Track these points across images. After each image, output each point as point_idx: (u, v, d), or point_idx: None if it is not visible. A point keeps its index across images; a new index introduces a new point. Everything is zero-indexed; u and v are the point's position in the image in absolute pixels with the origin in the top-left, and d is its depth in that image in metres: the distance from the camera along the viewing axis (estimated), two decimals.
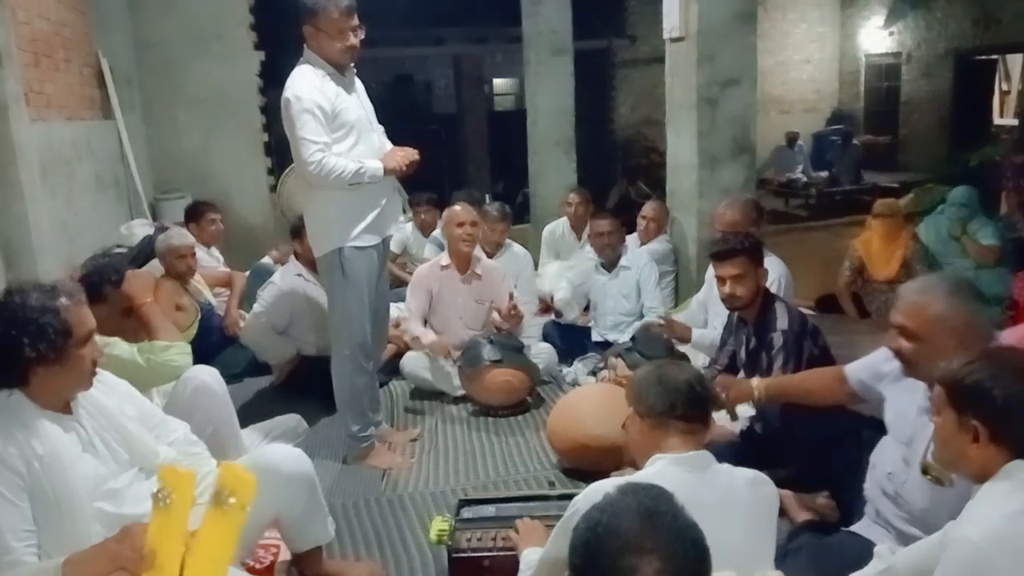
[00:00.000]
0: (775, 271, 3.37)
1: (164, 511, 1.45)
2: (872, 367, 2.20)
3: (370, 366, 3.14)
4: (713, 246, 2.99)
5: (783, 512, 2.42)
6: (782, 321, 2.75)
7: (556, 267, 4.99)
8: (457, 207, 3.97)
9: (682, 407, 1.67)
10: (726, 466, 1.67)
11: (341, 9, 2.78)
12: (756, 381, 2.48)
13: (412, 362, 3.91)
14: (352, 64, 2.94)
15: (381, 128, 3.13)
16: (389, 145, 3.08)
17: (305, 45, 2.87)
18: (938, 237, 4.71)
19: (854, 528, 2.17)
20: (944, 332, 1.83)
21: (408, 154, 2.97)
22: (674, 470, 1.58)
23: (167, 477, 1.49)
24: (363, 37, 2.88)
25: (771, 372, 2.71)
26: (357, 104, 2.95)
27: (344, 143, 2.86)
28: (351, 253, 2.94)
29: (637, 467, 1.79)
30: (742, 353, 2.96)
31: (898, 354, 1.95)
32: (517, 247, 4.80)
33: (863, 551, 1.93)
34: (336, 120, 2.83)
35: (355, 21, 2.83)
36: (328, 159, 2.78)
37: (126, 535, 1.50)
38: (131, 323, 2.55)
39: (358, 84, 3.02)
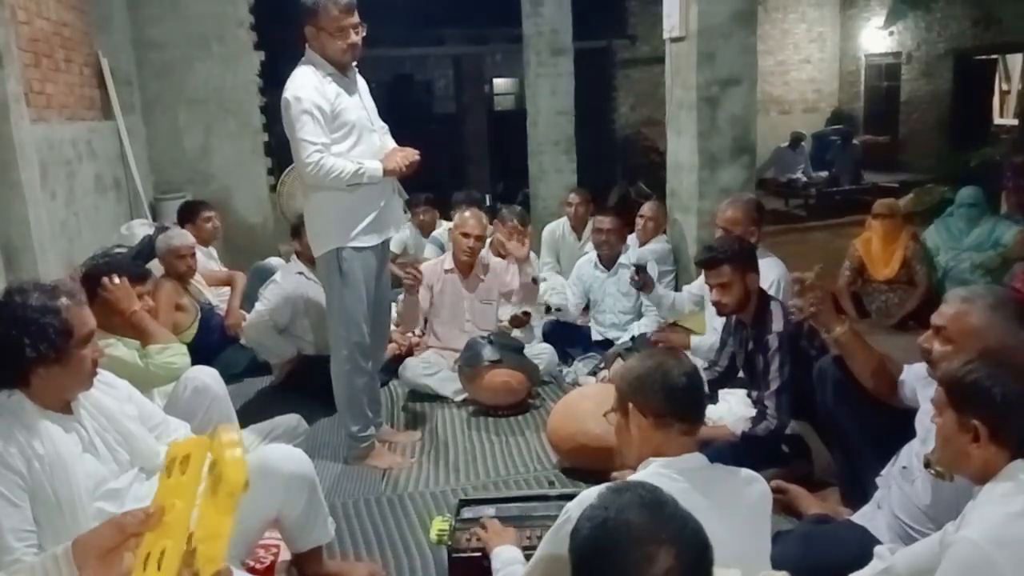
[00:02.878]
0: (774, 272, 3.36)
1: (174, 477, 1.40)
2: (918, 371, 2.22)
3: (369, 366, 3.14)
4: (699, 254, 2.97)
5: (794, 507, 2.43)
6: (777, 324, 2.74)
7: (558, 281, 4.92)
8: (468, 215, 3.95)
9: (685, 408, 1.66)
10: (718, 466, 1.67)
11: (341, 7, 2.76)
12: (844, 324, 2.44)
13: (411, 369, 3.89)
14: (354, 64, 2.94)
15: (385, 127, 3.12)
16: (392, 145, 3.07)
17: (307, 46, 2.86)
18: (950, 237, 4.70)
19: (857, 515, 2.18)
20: (976, 344, 1.82)
21: (408, 155, 2.94)
22: (666, 475, 1.57)
23: (178, 447, 1.44)
24: (364, 35, 2.87)
25: (768, 374, 2.71)
26: (358, 104, 2.94)
27: (343, 144, 2.86)
28: (349, 254, 2.93)
29: (625, 461, 1.78)
30: (741, 355, 2.96)
31: (927, 353, 1.98)
32: (531, 254, 4.80)
33: (861, 541, 1.95)
34: (335, 121, 2.83)
35: (355, 19, 2.82)
36: (326, 160, 2.77)
37: (128, 511, 1.49)
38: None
39: (361, 84, 3.01)
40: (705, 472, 1.62)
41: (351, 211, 2.92)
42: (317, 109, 2.76)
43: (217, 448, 1.37)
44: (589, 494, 1.56)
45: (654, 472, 1.59)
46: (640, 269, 3.74)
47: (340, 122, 2.84)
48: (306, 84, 2.78)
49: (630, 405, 1.70)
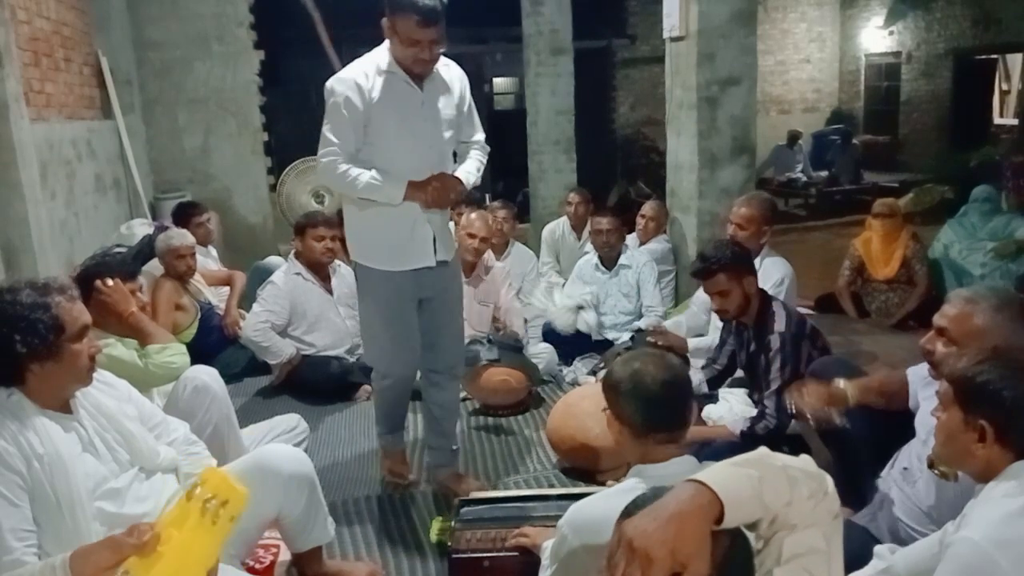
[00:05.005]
0: (779, 272, 3.36)
1: (197, 512, 1.40)
2: (920, 372, 2.20)
3: (388, 382, 2.83)
4: (692, 265, 2.95)
5: None
6: (780, 323, 2.73)
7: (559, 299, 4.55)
8: (475, 216, 3.94)
9: (662, 420, 1.62)
10: (707, 466, 1.67)
11: (419, 19, 2.39)
12: (844, 384, 2.30)
13: None
14: (433, 72, 2.59)
15: (478, 141, 2.87)
16: (465, 169, 2.75)
17: (386, 27, 2.50)
18: (965, 232, 4.72)
19: (858, 516, 2.17)
20: (981, 345, 1.77)
21: (443, 186, 2.56)
22: (646, 482, 1.56)
23: (221, 487, 1.41)
24: (442, 51, 2.52)
25: (769, 374, 2.71)
26: (417, 113, 2.57)
27: (375, 151, 2.56)
28: (365, 272, 2.71)
29: (623, 457, 1.76)
30: (742, 355, 2.96)
31: (930, 355, 1.95)
32: (522, 247, 4.84)
33: (861, 541, 1.93)
34: (371, 124, 2.53)
35: (433, 34, 2.44)
36: (336, 162, 2.51)
37: (133, 529, 1.50)
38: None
39: (443, 86, 2.64)
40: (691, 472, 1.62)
41: (366, 230, 2.68)
42: (348, 106, 2.49)
43: (220, 482, 1.39)
44: (578, 507, 1.57)
45: (638, 482, 1.59)
46: (639, 332, 3.80)
47: (376, 127, 2.53)
48: (349, 76, 2.51)
49: (610, 410, 1.69)
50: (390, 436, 3.01)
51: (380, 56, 2.55)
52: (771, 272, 3.31)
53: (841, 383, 2.31)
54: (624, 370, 1.68)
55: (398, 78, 2.54)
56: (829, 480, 1.20)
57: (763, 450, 1.21)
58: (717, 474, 1.10)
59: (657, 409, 1.61)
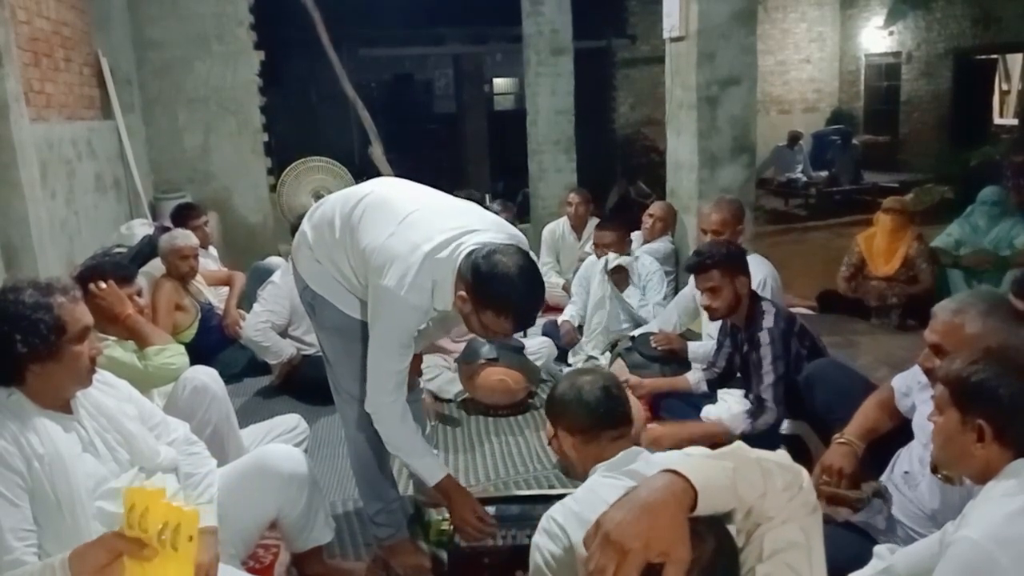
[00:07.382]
0: (761, 271, 3.35)
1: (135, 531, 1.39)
2: (908, 381, 2.20)
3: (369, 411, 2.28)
4: (688, 260, 2.97)
5: None
6: (768, 320, 2.76)
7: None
8: None
9: (607, 416, 1.72)
10: (657, 455, 1.73)
11: (513, 325, 2.04)
12: (847, 440, 2.22)
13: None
14: None
15: None
16: None
17: (461, 293, 1.99)
18: (973, 233, 4.73)
19: (856, 517, 2.17)
20: None
21: (469, 521, 2.21)
22: (607, 481, 1.60)
23: (170, 514, 1.38)
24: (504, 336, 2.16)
25: (762, 368, 2.73)
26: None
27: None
28: (321, 302, 2.26)
29: (575, 478, 1.83)
30: (737, 358, 2.97)
31: (930, 372, 1.93)
32: None
33: (861, 541, 1.94)
34: None
35: (517, 331, 2.19)
36: (394, 417, 2.16)
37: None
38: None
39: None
40: (640, 461, 1.66)
41: (339, 289, 2.24)
42: (407, 343, 2.11)
43: (167, 511, 1.37)
44: (546, 517, 1.58)
45: (600, 477, 1.64)
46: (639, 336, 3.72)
47: None
48: (421, 304, 2.04)
49: (559, 429, 1.78)
50: (387, 516, 2.42)
51: (441, 294, 2.05)
52: (754, 271, 3.30)
53: (844, 440, 2.23)
54: (563, 386, 1.82)
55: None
56: (805, 474, 1.21)
57: (738, 443, 1.23)
58: (691, 464, 1.10)
59: (603, 408, 1.73)
